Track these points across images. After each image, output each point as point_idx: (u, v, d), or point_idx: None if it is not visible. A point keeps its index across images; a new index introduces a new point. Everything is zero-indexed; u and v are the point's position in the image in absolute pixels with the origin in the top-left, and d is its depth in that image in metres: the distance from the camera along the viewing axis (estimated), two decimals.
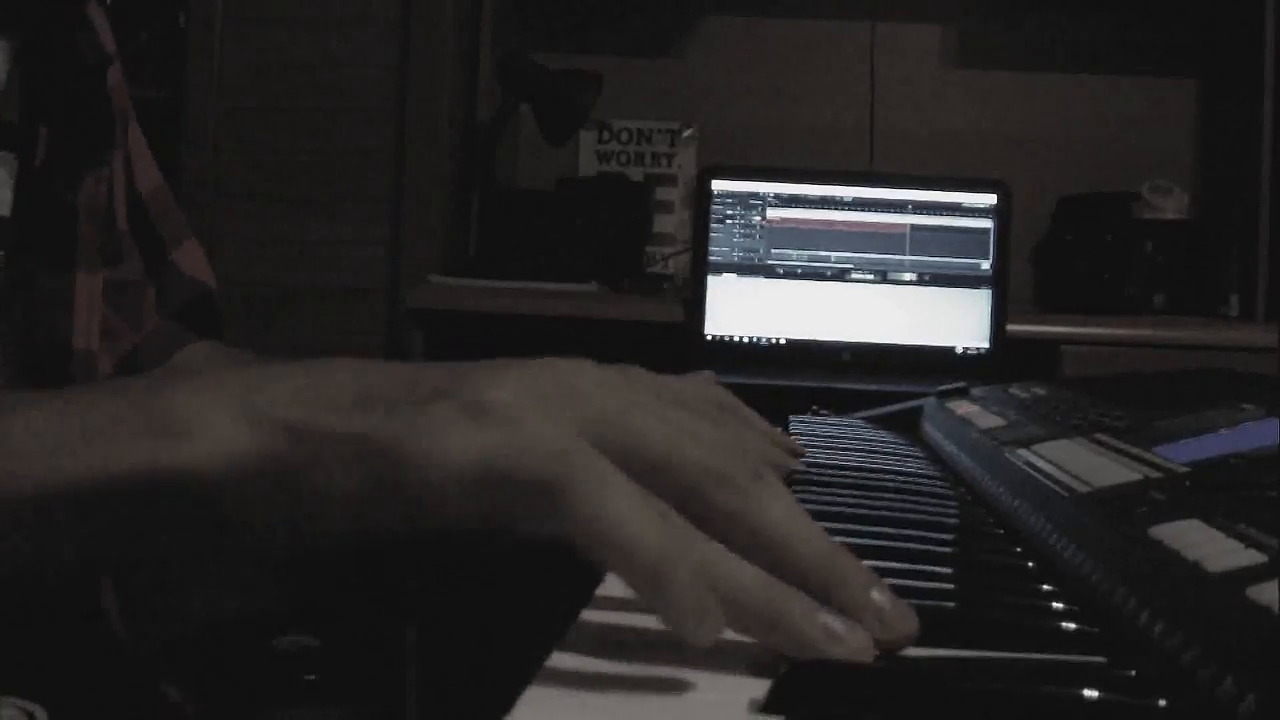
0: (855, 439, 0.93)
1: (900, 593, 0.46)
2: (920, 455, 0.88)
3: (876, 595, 0.38)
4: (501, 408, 0.37)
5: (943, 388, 1.02)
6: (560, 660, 0.38)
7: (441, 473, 0.37)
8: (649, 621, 0.38)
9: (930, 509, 0.66)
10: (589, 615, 0.43)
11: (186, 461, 0.38)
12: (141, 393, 0.40)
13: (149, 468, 0.39)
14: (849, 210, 1.92)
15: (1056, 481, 0.57)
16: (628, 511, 0.35)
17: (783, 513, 0.39)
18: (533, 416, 0.37)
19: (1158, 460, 0.55)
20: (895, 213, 1.92)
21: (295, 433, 0.38)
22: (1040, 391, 0.90)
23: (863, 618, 0.38)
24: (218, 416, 0.39)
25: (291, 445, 0.38)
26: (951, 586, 0.50)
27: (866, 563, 0.50)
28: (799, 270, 1.92)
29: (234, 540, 0.40)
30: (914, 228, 1.91)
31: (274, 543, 0.40)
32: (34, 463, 0.39)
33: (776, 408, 1.09)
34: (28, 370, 0.70)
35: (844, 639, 0.37)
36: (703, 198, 1.95)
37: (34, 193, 0.70)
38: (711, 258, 1.92)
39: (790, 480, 0.71)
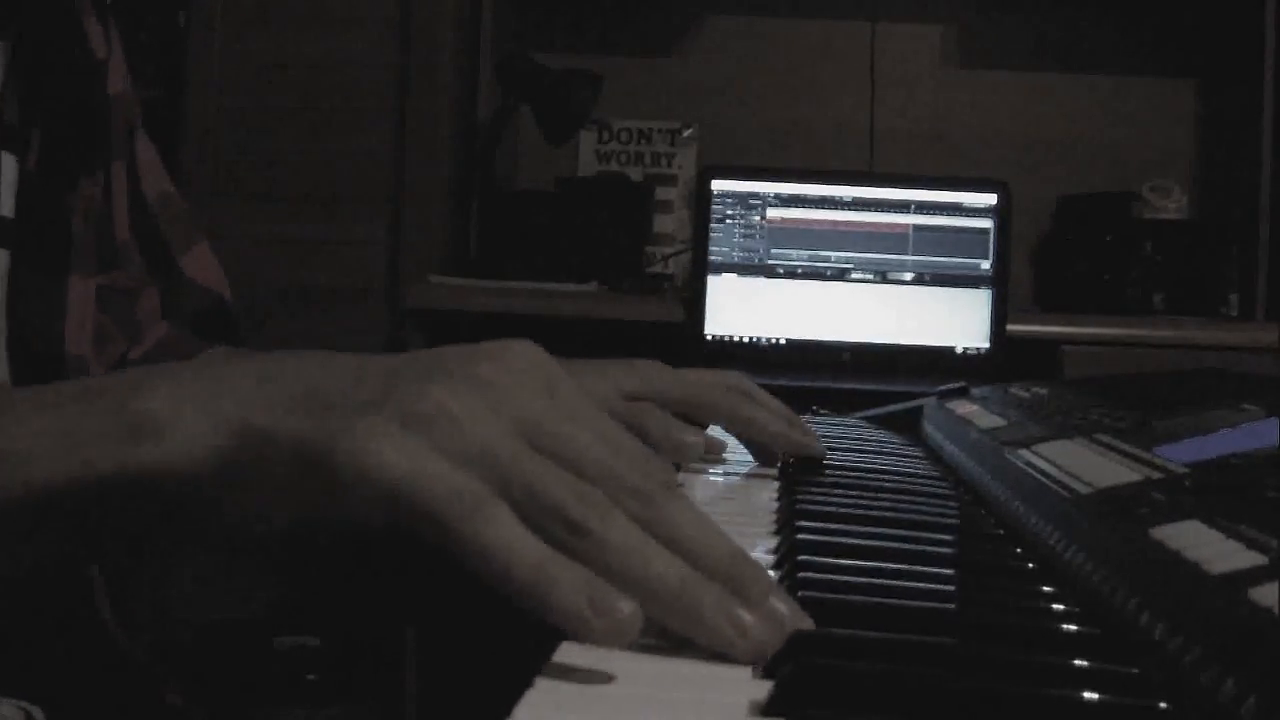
0: (855, 439, 0.93)
1: (900, 593, 0.46)
2: (920, 455, 0.88)
3: (775, 602, 0.40)
4: (425, 423, 0.40)
5: (943, 388, 1.02)
6: (562, 660, 0.38)
7: (362, 486, 0.39)
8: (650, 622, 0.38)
9: (930, 509, 0.66)
10: None
11: (157, 462, 0.41)
12: (113, 395, 0.43)
13: (119, 469, 0.41)
14: (849, 210, 1.92)
15: (1057, 482, 0.57)
16: (507, 540, 0.38)
17: (692, 521, 0.41)
18: (451, 437, 0.40)
19: (1158, 461, 0.55)
20: (895, 213, 1.92)
21: (248, 432, 0.41)
22: (1041, 391, 0.90)
23: (760, 619, 0.40)
24: (184, 418, 0.42)
25: (244, 444, 0.41)
26: (951, 587, 0.50)
27: (866, 563, 0.50)
28: (799, 270, 1.92)
29: (200, 533, 0.43)
30: (914, 228, 1.91)
31: (236, 535, 0.43)
32: (14, 463, 0.41)
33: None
34: (20, 374, 0.70)
35: (749, 633, 0.39)
36: (703, 198, 1.95)
37: (30, 196, 0.71)
38: (711, 258, 1.92)
39: (792, 481, 0.71)
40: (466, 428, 0.40)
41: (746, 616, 0.39)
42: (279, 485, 0.41)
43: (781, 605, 0.40)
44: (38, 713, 0.67)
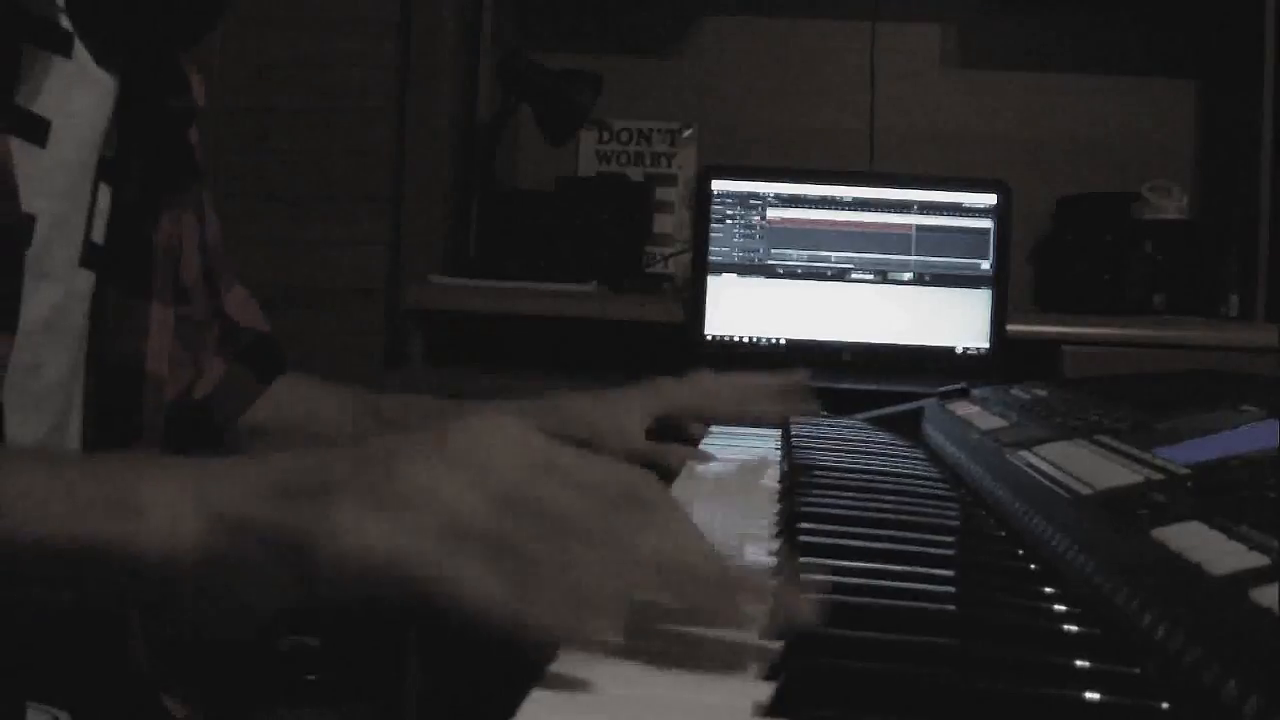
0: (855, 440, 0.93)
1: (901, 595, 0.46)
2: (921, 456, 0.88)
3: (770, 593, 0.43)
4: (397, 501, 0.43)
5: (943, 389, 1.02)
6: (565, 662, 0.38)
7: (339, 570, 0.42)
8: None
9: (931, 511, 0.66)
10: None
11: (136, 543, 0.45)
12: (111, 476, 0.47)
13: (102, 539, 0.45)
14: (849, 210, 1.92)
15: (1058, 483, 0.57)
16: (481, 589, 0.41)
17: (674, 544, 0.43)
18: (423, 511, 0.43)
19: (1159, 462, 0.55)
20: (895, 213, 1.92)
21: (226, 521, 0.45)
22: (1041, 392, 0.90)
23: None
24: (167, 504, 0.45)
25: (223, 532, 0.44)
26: (953, 589, 0.50)
27: (867, 565, 0.50)
28: (799, 270, 1.92)
29: (179, 610, 0.47)
30: (914, 228, 1.91)
31: (210, 615, 0.47)
32: (11, 519, 0.45)
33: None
34: (100, 387, 0.72)
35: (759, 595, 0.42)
36: (703, 198, 1.95)
37: (122, 225, 0.74)
38: (711, 258, 1.92)
39: (792, 483, 0.71)
40: (435, 499, 0.43)
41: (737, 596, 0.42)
42: (257, 573, 0.44)
43: (784, 590, 0.42)
44: (65, 718, 0.68)
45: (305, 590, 0.43)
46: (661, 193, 2.26)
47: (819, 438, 0.91)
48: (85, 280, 0.72)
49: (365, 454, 0.45)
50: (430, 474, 0.43)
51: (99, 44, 0.68)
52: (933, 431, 0.95)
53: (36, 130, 0.64)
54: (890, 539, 0.56)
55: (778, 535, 0.58)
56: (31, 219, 0.64)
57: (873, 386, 1.64)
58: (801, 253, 1.92)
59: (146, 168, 0.75)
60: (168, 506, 0.45)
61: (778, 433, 0.99)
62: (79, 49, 0.67)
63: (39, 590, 0.49)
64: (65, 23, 0.66)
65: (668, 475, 0.94)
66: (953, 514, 0.66)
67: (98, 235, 0.73)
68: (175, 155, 0.80)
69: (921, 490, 0.72)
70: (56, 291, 0.69)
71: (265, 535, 0.44)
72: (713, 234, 1.92)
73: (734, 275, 1.92)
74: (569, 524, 0.43)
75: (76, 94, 0.67)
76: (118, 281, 0.74)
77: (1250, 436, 0.57)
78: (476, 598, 0.41)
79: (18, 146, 0.62)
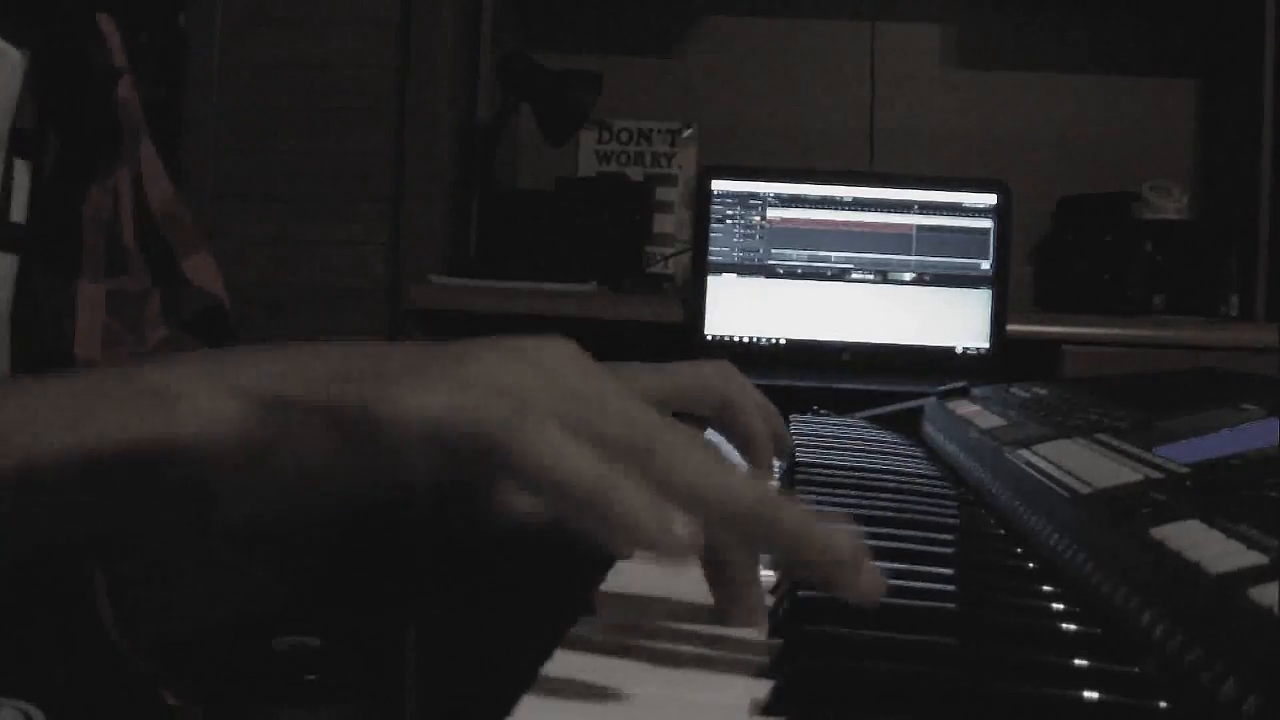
0: (855, 439, 0.93)
1: (901, 593, 0.46)
2: (920, 455, 0.88)
3: (815, 526, 0.39)
4: (463, 374, 0.39)
5: (943, 387, 1.02)
6: (561, 661, 0.38)
7: (403, 431, 0.38)
8: (651, 622, 0.38)
9: (930, 509, 0.66)
10: (591, 616, 0.43)
11: (169, 432, 0.39)
12: (125, 371, 0.42)
13: (133, 439, 0.39)
14: (849, 210, 1.92)
15: (1057, 482, 0.57)
16: (563, 453, 0.37)
17: (721, 469, 0.40)
18: (490, 380, 0.39)
19: (1159, 461, 0.55)
20: (895, 213, 1.92)
21: (270, 404, 0.40)
22: (1041, 391, 0.90)
23: (812, 555, 0.39)
24: (199, 390, 0.40)
25: (267, 416, 0.40)
26: (952, 588, 0.50)
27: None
28: (799, 270, 1.92)
29: (218, 514, 0.41)
30: (914, 228, 1.91)
31: (258, 515, 0.42)
32: (20, 437, 0.39)
33: (777, 408, 1.08)
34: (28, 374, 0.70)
35: (811, 523, 0.38)
36: (703, 198, 1.95)
37: (43, 200, 0.71)
38: (711, 258, 1.92)
39: (792, 480, 0.71)
40: (504, 380, 0.39)
41: (805, 515, 0.38)
42: (308, 456, 0.40)
43: (825, 530, 0.39)
44: (37, 714, 0.67)
45: (364, 473, 0.40)
46: (661, 193, 2.26)
47: (818, 435, 0.91)
48: (7, 264, 0.69)
49: (421, 347, 0.42)
50: (498, 361, 0.40)
51: (4, 18, 0.66)
52: (932, 430, 0.95)
53: None
54: (889, 537, 0.56)
55: None
56: None
57: (873, 386, 1.64)
58: (801, 253, 1.92)
59: (66, 138, 0.72)
60: (201, 396, 0.40)
61: None
62: None
63: (54, 529, 0.42)
64: None
65: None
66: (952, 512, 0.66)
67: (17, 214, 0.70)
68: (99, 122, 0.76)
69: (920, 489, 0.72)
70: None
71: (319, 413, 0.39)
72: (713, 234, 1.92)
73: (734, 275, 1.92)
74: (636, 422, 0.40)
75: None
76: (41, 262, 0.71)
77: (1250, 435, 0.57)
78: (556, 460, 0.37)
79: None
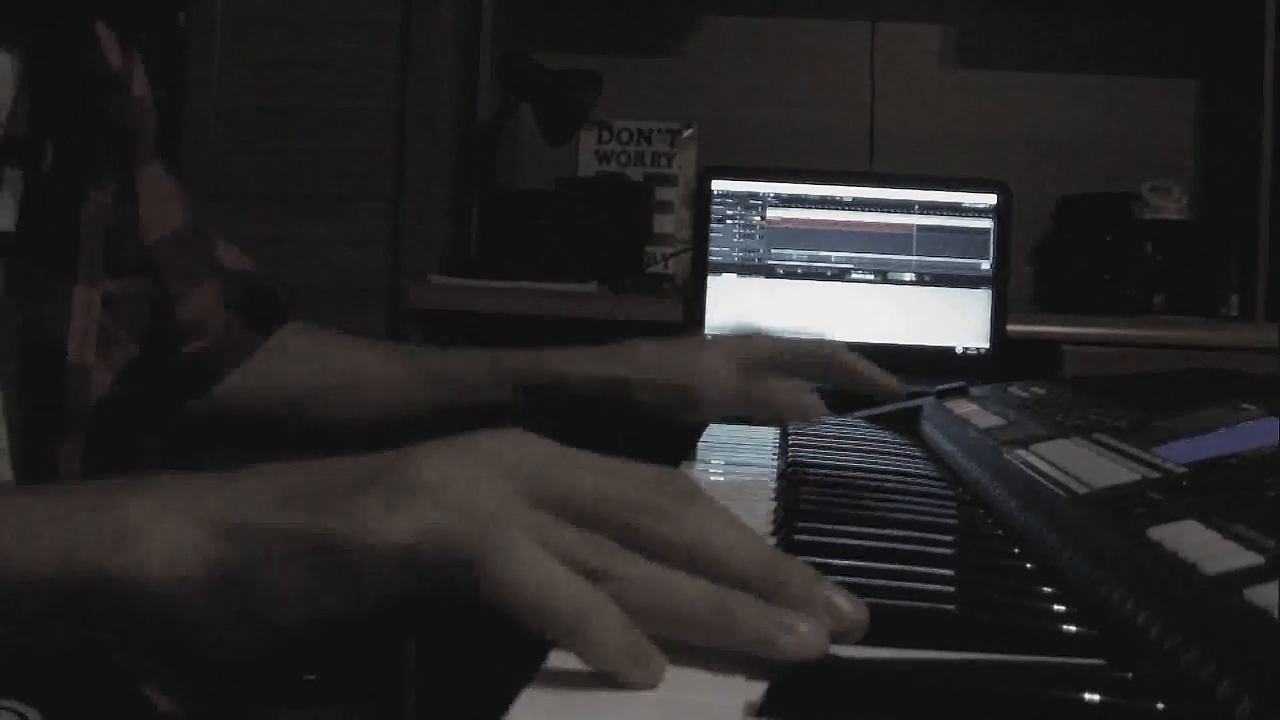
0: (855, 439, 0.93)
1: (898, 594, 0.46)
2: (919, 455, 0.88)
3: (821, 589, 0.39)
4: (426, 489, 0.39)
5: (942, 387, 1.02)
6: (557, 662, 0.38)
7: (372, 556, 0.39)
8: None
9: (929, 509, 0.66)
10: None
11: (135, 566, 0.41)
12: (98, 500, 0.43)
13: (99, 571, 0.41)
14: (849, 210, 1.92)
15: (1055, 482, 0.57)
16: (541, 577, 0.37)
17: (719, 527, 0.41)
18: (456, 495, 0.39)
19: (1156, 461, 0.55)
20: (895, 213, 1.92)
21: (233, 532, 0.40)
22: (1040, 391, 0.90)
23: (813, 613, 0.39)
24: (164, 524, 0.41)
25: (231, 545, 0.40)
26: (950, 588, 0.50)
27: (865, 564, 0.50)
28: (799, 270, 1.92)
29: (186, 639, 0.43)
30: (914, 228, 1.91)
31: (229, 641, 0.42)
32: None
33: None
34: (23, 382, 0.70)
35: (798, 629, 0.38)
36: (703, 198, 1.95)
37: (39, 206, 0.71)
38: (711, 258, 1.91)
39: (790, 480, 0.71)
40: (467, 489, 0.39)
41: (789, 617, 0.38)
42: (277, 581, 0.40)
43: (831, 593, 0.39)
44: (34, 714, 0.67)
45: (335, 597, 0.40)
46: (661, 193, 2.26)
47: (816, 435, 0.91)
48: None
49: (378, 458, 0.42)
50: (458, 470, 0.40)
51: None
52: (931, 430, 0.95)
53: None
54: (886, 537, 0.56)
55: (774, 533, 0.58)
56: None
57: None
58: (801, 253, 1.92)
59: (62, 144, 0.72)
60: (166, 530, 0.41)
61: (775, 431, 0.99)
62: None
63: (24, 636, 0.44)
64: None
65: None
66: (950, 512, 0.66)
67: (6, 223, 0.70)
68: (95, 127, 0.76)
69: (919, 488, 0.72)
70: None
71: (278, 541, 0.40)
72: (713, 234, 1.92)
73: (734, 275, 1.92)
74: (608, 509, 0.40)
75: None
76: (34, 268, 0.71)
77: (1249, 435, 0.57)
78: (532, 594, 0.37)
79: None
